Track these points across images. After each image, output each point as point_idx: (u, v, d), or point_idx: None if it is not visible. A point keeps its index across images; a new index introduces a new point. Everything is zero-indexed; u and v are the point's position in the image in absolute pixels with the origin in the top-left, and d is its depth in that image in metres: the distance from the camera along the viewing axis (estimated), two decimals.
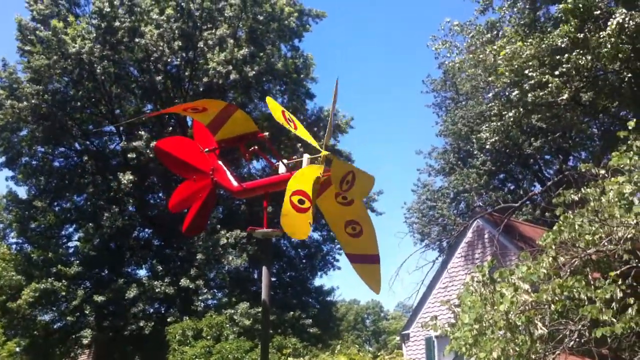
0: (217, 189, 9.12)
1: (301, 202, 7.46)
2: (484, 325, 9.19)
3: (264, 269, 8.32)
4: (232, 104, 8.92)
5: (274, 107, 7.61)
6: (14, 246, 33.78)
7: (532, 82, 18.40)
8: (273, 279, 33.96)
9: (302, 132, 7.68)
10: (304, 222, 7.42)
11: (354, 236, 8.60)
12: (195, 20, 30.84)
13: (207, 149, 8.71)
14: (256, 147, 8.33)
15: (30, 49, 29.81)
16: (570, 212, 9.91)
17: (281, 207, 7.24)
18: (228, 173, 8.86)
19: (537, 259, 9.71)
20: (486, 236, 22.37)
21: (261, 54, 30.67)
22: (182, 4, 30.19)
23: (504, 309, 8.65)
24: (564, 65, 17.97)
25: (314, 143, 7.70)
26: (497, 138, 22.29)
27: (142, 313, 29.13)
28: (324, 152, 7.63)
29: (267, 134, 8.27)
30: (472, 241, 22.93)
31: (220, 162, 8.82)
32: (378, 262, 8.93)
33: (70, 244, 33.97)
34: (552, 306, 8.88)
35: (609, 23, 17.32)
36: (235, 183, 8.72)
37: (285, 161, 8.27)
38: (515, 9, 21.11)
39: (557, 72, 18.13)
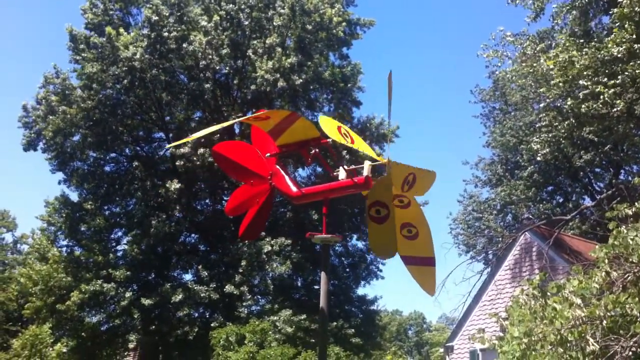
0: (275, 194, 9.04)
1: (378, 212, 7.55)
2: (534, 339, 9.04)
3: (322, 275, 8.22)
4: (295, 112, 8.84)
5: (329, 124, 7.44)
6: (64, 248, 34.59)
7: (586, 92, 18.04)
8: (317, 286, 33.96)
9: (360, 145, 7.60)
10: (385, 237, 7.58)
11: (410, 239, 8.48)
12: (245, 29, 31.21)
13: (268, 154, 8.65)
14: (317, 150, 8.26)
15: (84, 56, 30.54)
16: (623, 226, 9.69)
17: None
18: (287, 178, 8.68)
19: (588, 273, 9.52)
20: (534, 249, 22.05)
21: (309, 62, 30.87)
22: (232, 13, 30.58)
23: (557, 324, 8.48)
24: (619, 76, 17.56)
25: (373, 154, 7.68)
26: (548, 150, 21.93)
27: (187, 317, 29.47)
28: (384, 160, 7.62)
29: (330, 139, 8.22)
30: (520, 254, 22.63)
31: (278, 167, 8.67)
32: (433, 264, 8.84)
33: (118, 247, 34.69)
34: (604, 322, 8.69)
35: None
36: (294, 188, 8.55)
37: (345, 167, 8.22)
38: (569, 17, 20.76)
39: (611, 83, 17.74)
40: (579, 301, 8.66)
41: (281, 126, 7.73)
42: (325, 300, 7.95)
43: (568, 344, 8.53)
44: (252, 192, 8.86)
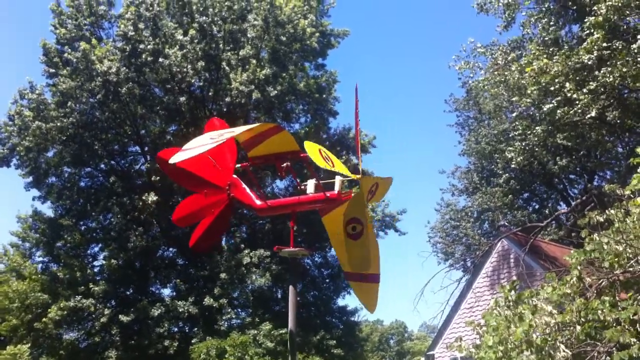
0: (233, 205, 8.74)
1: (354, 229, 7.60)
2: (509, 347, 9.09)
3: (291, 289, 8.18)
4: (280, 125, 8.69)
5: (311, 149, 7.38)
6: (39, 265, 34.16)
7: (560, 98, 18.24)
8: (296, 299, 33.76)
9: (339, 167, 7.56)
10: (361, 251, 7.69)
11: None
12: (218, 42, 31.14)
13: (239, 165, 8.47)
14: (289, 163, 8.17)
15: (57, 72, 30.28)
16: (595, 233, 9.80)
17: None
18: (248, 189, 8.57)
19: (562, 279, 9.60)
20: (512, 256, 22.15)
21: (283, 74, 30.83)
22: (205, 25, 30.50)
23: (522, 331, 8.55)
24: (591, 83, 17.80)
25: (352, 176, 7.69)
26: (522, 158, 22.14)
27: (166, 332, 29.23)
28: (356, 176, 7.68)
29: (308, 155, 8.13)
30: (497, 261, 22.72)
31: (236, 176, 8.52)
32: (378, 281, 8.96)
33: (96, 262, 34.34)
34: (578, 327, 8.76)
35: (637, 44, 17.17)
36: (258, 201, 8.46)
37: (313, 180, 8.14)
38: (539, 26, 20.99)
39: (584, 90, 17.96)
40: (549, 308, 8.72)
41: (258, 138, 7.61)
42: (293, 316, 7.88)
43: (542, 351, 8.58)
44: (205, 202, 8.60)
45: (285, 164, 7.98)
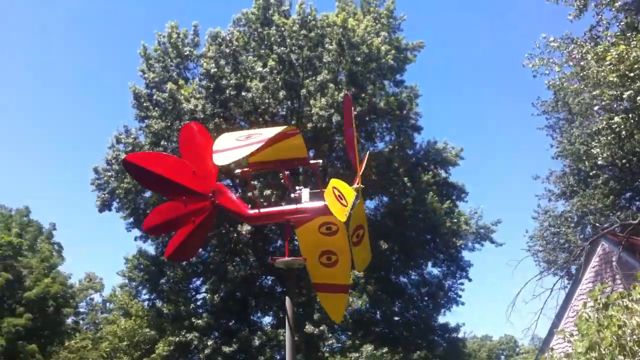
0: (217, 214, 8.36)
1: (358, 235, 7.63)
2: (603, 352, 8.63)
3: (287, 300, 8.14)
4: (297, 129, 8.61)
5: (329, 196, 7.31)
6: (146, 302, 35.37)
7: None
8: (396, 318, 33.44)
9: (350, 198, 7.43)
10: (364, 253, 7.72)
11: (328, 266, 8.48)
12: (297, 70, 31.61)
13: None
14: (287, 172, 8.04)
15: (148, 114, 31.58)
16: None
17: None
18: (235, 197, 8.34)
19: None
20: (614, 259, 21.11)
21: (362, 94, 30.87)
22: (284, 55, 31.05)
23: (611, 334, 8.09)
24: None
25: (354, 191, 7.59)
26: (608, 153, 21.08)
27: None
28: (355, 187, 7.62)
29: (320, 161, 7.99)
30: (599, 265, 21.71)
31: (220, 183, 8.33)
32: (347, 292, 8.87)
33: (198, 296, 35.23)
34: None
35: None
36: (248, 210, 8.18)
37: (308, 189, 7.99)
38: (615, 12, 19.97)
39: None
40: None
41: (267, 142, 7.42)
42: (291, 327, 7.74)
43: (637, 355, 8.09)
44: (183, 210, 8.18)
45: (286, 172, 7.85)
